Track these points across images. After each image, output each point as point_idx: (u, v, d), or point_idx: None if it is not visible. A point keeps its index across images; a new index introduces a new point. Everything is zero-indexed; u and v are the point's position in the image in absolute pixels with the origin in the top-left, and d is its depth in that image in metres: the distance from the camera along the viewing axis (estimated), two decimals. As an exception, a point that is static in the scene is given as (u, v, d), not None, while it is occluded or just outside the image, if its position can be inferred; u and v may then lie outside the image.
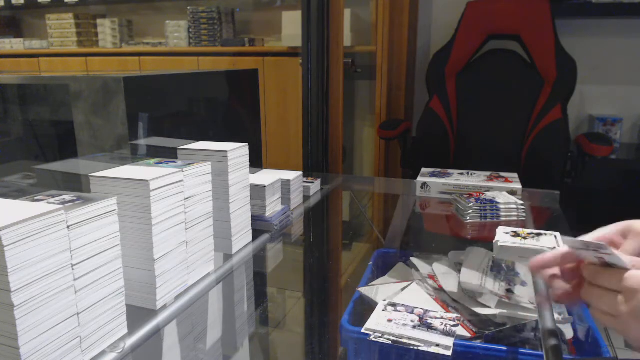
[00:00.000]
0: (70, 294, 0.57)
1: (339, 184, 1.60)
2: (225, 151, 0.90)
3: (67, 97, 0.95)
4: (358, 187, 1.71)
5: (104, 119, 0.93)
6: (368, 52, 2.65)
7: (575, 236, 0.56)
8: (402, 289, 0.77)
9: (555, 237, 0.85)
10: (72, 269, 0.57)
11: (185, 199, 0.78)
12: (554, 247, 0.81)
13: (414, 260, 0.87)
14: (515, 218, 1.17)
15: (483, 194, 1.25)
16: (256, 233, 1.04)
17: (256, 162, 1.23)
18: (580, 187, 2.02)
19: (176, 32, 3.12)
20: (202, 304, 0.79)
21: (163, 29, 3.17)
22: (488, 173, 1.43)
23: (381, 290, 0.77)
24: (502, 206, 1.18)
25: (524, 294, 0.74)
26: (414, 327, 0.64)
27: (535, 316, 0.68)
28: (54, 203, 0.58)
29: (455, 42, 2.21)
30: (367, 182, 1.93)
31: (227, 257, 0.94)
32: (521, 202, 1.19)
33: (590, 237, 0.56)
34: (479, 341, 0.65)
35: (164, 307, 0.75)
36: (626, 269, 0.49)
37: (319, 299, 0.91)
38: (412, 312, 0.67)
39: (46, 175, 0.84)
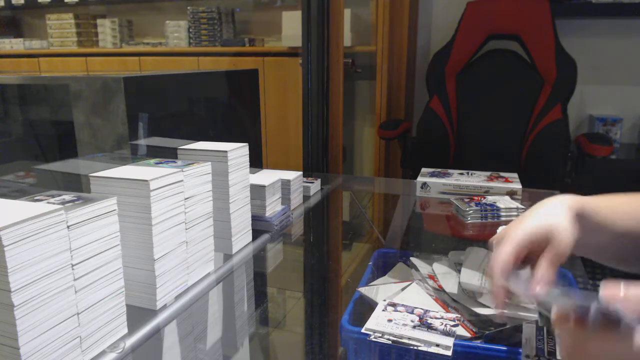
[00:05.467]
0: (70, 294, 0.57)
1: (339, 184, 1.60)
2: (225, 151, 0.90)
3: (67, 97, 0.95)
4: (358, 187, 1.71)
5: (104, 119, 0.93)
6: (368, 52, 2.65)
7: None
8: (402, 289, 0.77)
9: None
10: (72, 269, 0.57)
11: (185, 199, 0.78)
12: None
13: (414, 260, 0.87)
14: (515, 218, 1.17)
15: (484, 197, 1.25)
16: (256, 233, 1.04)
17: (256, 162, 1.23)
18: (580, 187, 2.02)
19: (176, 32, 3.12)
20: (202, 304, 0.79)
21: (163, 29, 3.17)
22: (488, 173, 1.42)
23: (381, 290, 0.77)
24: (502, 206, 1.19)
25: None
26: (414, 327, 0.64)
27: (535, 316, 0.68)
28: (54, 203, 0.58)
29: (455, 42, 2.21)
30: (367, 182, 1.93)
31: (227, 257, 0.94)
32: (522, 207, 1.19)
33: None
34: (479, 341, 0.65)
35: (164, 307, 0.75)
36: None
37: (319, 299, 0.91)
38: (412, 312, 0.67)
39: (46, 175, 0.84)
